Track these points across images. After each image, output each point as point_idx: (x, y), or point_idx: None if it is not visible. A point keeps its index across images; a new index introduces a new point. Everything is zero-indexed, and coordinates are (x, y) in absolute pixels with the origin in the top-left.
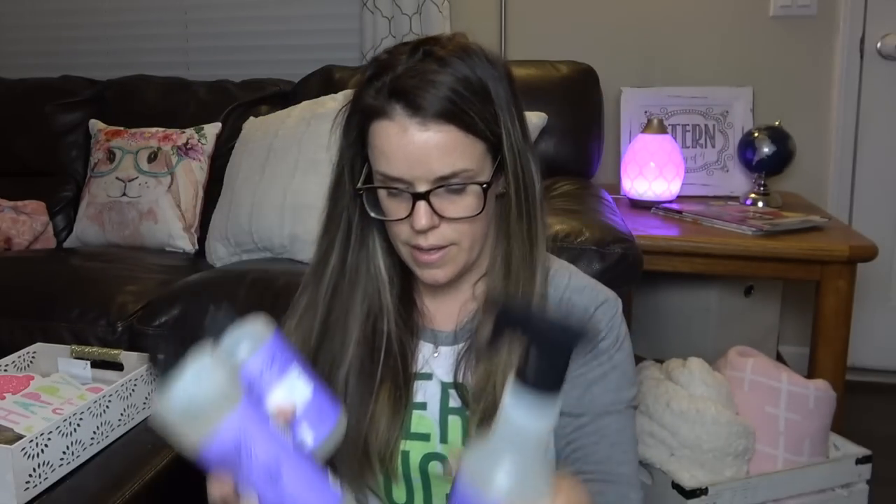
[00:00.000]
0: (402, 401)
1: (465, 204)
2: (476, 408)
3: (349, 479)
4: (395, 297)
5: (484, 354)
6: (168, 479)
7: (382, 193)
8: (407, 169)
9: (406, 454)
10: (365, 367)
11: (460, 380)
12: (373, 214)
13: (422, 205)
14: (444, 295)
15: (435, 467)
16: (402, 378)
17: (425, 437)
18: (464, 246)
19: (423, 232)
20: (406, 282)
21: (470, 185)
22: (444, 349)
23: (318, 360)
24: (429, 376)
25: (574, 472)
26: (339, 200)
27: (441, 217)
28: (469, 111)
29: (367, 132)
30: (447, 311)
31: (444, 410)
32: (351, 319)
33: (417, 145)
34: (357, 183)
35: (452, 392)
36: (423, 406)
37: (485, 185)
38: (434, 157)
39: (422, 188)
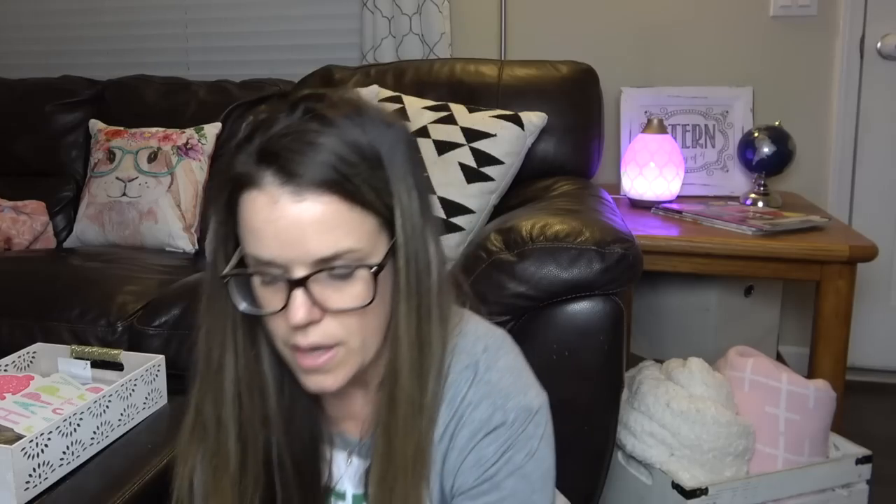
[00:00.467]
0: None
1: (352, 292)
2: None
3: None
4: (286, 402)
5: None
6: (168, 480)
7: (255, 281)
8: (279, 250)
9: None
10: (272, 487)
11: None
12: (241, 308)
13: (298, 294)
14: (348, 396)
15: None
16: (312, 496)
17: None
18: (353, 346)
19: (303, 328)
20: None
21: (358, 268)
22: (354, 460)
23: (242, 482)
24: (342, 495)
25: None
26: (216, 291)
27: (323, 309)
28: (355, 179)
29: (236, 206)
30: (356, 414)
31: None
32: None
33: (290, 220)
34: (224, 268)
35: None
36: None
37: (375, 269)
38: (311, 235)
39: (298, 273)
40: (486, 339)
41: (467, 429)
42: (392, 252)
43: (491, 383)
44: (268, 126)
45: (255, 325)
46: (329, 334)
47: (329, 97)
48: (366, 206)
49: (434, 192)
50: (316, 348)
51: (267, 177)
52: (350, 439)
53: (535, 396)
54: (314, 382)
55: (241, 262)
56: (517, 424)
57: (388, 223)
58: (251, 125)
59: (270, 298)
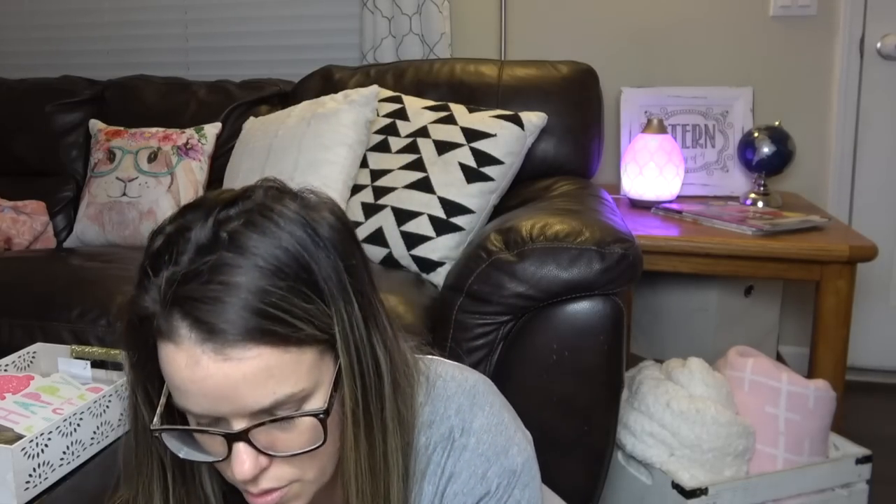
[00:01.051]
0: None
1: (302, 434)
2: None
3: None
4: None
5: None
6: None
7: (192, 424)
8: (211, 406)
9: None
10: None
11: None
12: (181, 455)
13: (240, 447)
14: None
15: None
16: None
17: None
18: (308, 478)
19: (252, 480)
20: None
21: (303, 416)
22: None
23: None
24: None
25: None
26: (141, 438)
27: (271, 457)
28: (286, 316)
29: (154, 349)
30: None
31: None
32: None
33: (217, 380)
34: (153, 417)
35: None
36: None
37: (322, 416)
38: (244, 391)
39: (237, 426)
40: (456, 397)
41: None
42: (339, 376)
43: (468, 449)
44: (176, 250)
45: (186, 464)
46: (281, 477)
47: (244, 206)
48: (301, 343)
49: (367, 265)
50: (268, 492)
51: (182, 330)
52: None
53: (517, 454)
54: None
55: (169, 405)
56: (501, 490)
57: (329, 343)
58: (161, 241)
59: (210, 443)
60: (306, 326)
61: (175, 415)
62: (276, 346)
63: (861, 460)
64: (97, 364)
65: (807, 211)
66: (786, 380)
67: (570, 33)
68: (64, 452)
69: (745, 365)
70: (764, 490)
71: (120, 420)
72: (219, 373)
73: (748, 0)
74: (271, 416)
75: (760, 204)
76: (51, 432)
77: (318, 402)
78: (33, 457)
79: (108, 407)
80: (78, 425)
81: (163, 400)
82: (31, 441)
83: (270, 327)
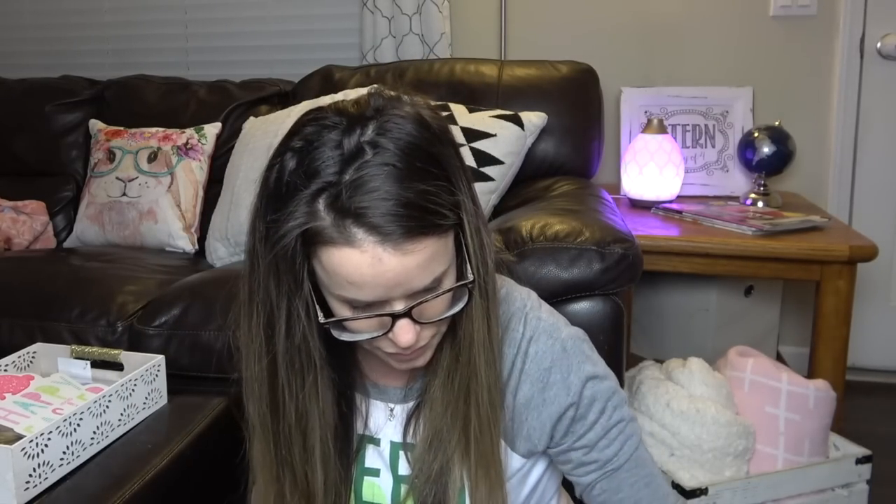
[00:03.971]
0: (347, 467)
1: (444, 301)
2: (420, 475)
3: None
4: (337, 381)
5: (428, 418)
6: (168, 479)
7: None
8: (384, 293)
9: None
10: (329, 453)
11: (409, 440)
12: (345, 338)
13: (404, 323)
14: None
15: None
16: (345, 442)
17: None
18: (441, 331)
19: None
20: (347, 351)
21: (455, 289)
22: (395, 408)
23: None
24: (377, 441)
25: None
26: (294, 339)
27: (423, 324)
28: (438, 208)
29: (311, 255)
30: (398, 371)
31: (396, 479)
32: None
33: (397, 271)
34: (316, 315)
35: (402, 456)
36: (375, 472)
37: (471, 284)
38: (414, 275)
39: (399, 307)
40: (522, 290)
41: (535, 365)
42: (465, 253)
43: (542, 320)
44: (319, 165)
45: (324, 355)
46: (426, 337)
47: (370, 113)
48: (448, 229)
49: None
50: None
51: (358, 235)
52: (389, 390)
53: (575, 328)
54: (407, 366)
55: (322, 300)
56: (574, 350)
57: (458, 227)
58: (295, 160)
59: (368, 324)
60: (451, 214)
61: (328, 314)
62: (436, 235)
63: (861, 460)
64: (97, 364)
65: (807, 211)
66: (786, 380)
67: (570, 33)
68: (64, 452)
69: (745, 365)
70: (764, 490)
71: (120, 420)
72: (399, 266)
73: (748, 0)
74: (428, 293)
75: (760, 204)
76: (51, 432)
77: (452, 276)
78: (33, 457)
79: (108, 407)
80: (78, 425)
81: (313, 298)
82: (31, 441)
83: (431, 220)
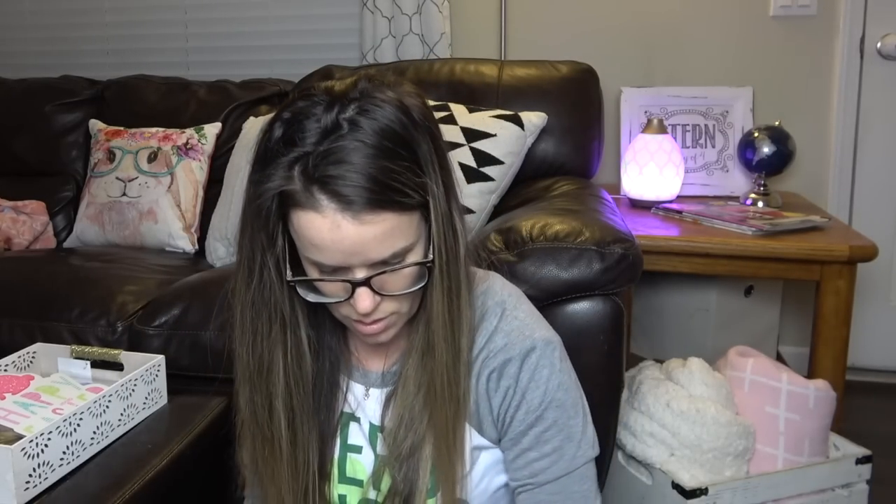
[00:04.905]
0: (330, 441)
1: (405, 278)
2: (392, 453)
3: None
4: (318, 352)
5: (403, 399)
6: (168, 479)
7: (314, 275)
8: (343, 259)
9: (343, 497)
10: (296, 439)
11: (386, 423)
12: (311, 299)
13: (363, 291)
14: None
15: None
16: (328, 418)
17: (359, 483)
18: (404, 311)
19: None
20: (336, 330)
21: (411, 265)
22: (373, 391)
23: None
24: (358, 419)
25: None
26: (266, 293)
27: (382, 296)
28: (402, 187)
29: (287, 215)
30: (378, 352)
31: (376, 457)
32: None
33: (353, 240)
34: (285, 272)
35: (379, 436)
36: (357, 449)
37: (429, 264)
38: (371, 247)
39: (360, 275)
40: (509, 288)
41: (500, 356)
42: (429, 235)
43: (518, 319)
44: (301, 135)
45: (297, 311)
46: (386, 310)
47: (352, 93)
48: (411, 208)
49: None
50: (376, 321)
51: (324, 202)
52: (370, 374)
53: (553, 334)
54: (372, 340)
55: (295, 260)
56: (545, 354)
57: (424, 208)
58: (281, 129)
59: (332, 289)
60: (415, 195)
61: (298, 272)
62: (396, 211)
63: (861, 460)
64: (97, 364)
65: (807, 211)
66: (786, 380)
67: (570, 33)
68: (64, 452)
69: (745, 365)
70: (764, 490)
71: (120, 420)
72: (355, 234)
73: (748, 0)
74: (387, 265)
75: (760, 204)
76: (51, 432)
77: (417, 255)
78: (33, 457)
79: (108, 407)
80: (78, 425)
81: (287, 255)
82: (31, 441)
83: (392, 197)
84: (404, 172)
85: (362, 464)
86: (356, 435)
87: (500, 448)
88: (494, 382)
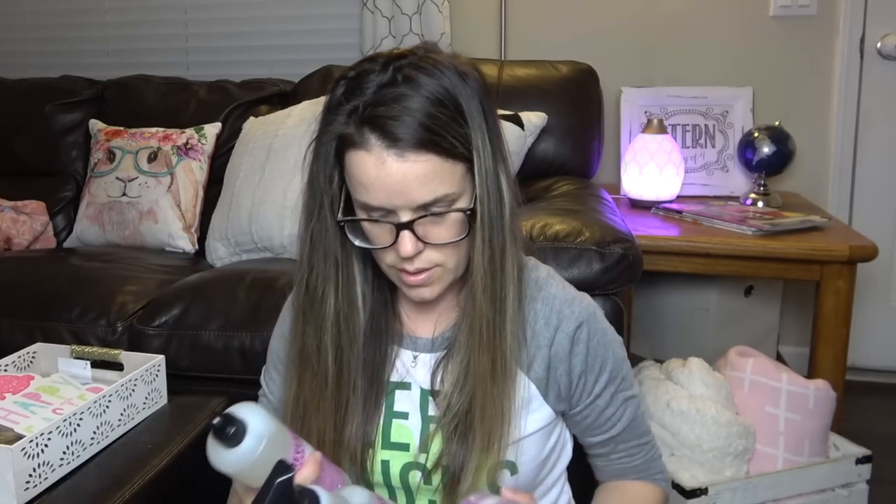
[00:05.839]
0: (375, 409)
1: (448, 228)
2: (449, 416)
3: None
4: (370, 308)
5: (456, 362)
6: (168, 479)
7: (364, 222)
8: (387, 199)
9: (386, 463)
10: (342, 375)
11: (437, 387)
12: (357, 243)
13: (406, 234)
14: (427, 304)
15: (415, 476)
16: (375, 385)
17: (405, 447)
18: (449, 266)
19: (409, 258)
20: (386, 290)
21: (453, 211)
22: (422, 356)
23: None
24: (408, 385)
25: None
26: (321, 231)
27: (426, 243)
28: (446, 135)
29: (343, 159)
30: (428, 319)
31: (426, 420)
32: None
33: (396, 177)
34: (337, 213)
35: (431, 400)
36: (404, 415)
37: (468, 212)
38: (414, 187)
39: (404, 218)
40: (543, 266)
41: (571, 322)
42: (475, 193)
43: (569, 287)
44: (361, 88)
45: (350, 255)
46: (430, 260)
47: (411, 56)
48: (455, 157)
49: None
50: (419, 271)
51: (372, 140)
52: (417, 339)
53: (591, 300)
54: (417, 294)
55: (349, 205)
56: (599, 316)
57: (472, 164)
58: (346, 85)
59: (379, 235)
60: (459, 145)
61: (349, 215)
62: (440, 154)
63: (861, 460)
64: (97, 364)
65: (807, 211)
66: (786, 380)
67: (570, 33)
68: (64, 452)
69: (745, 365)
70: (764, 490)
71: (120, 420)
72: (398, 171)
73: (748, 0)
74: (430, 211)
75: (760, 204)
76: (51, 432)
77: (460, 206)
78: (33, 457)
79: (108, 407)
80: (78, 425)
81: (342, 201)
82: (31, 441)
83: (436, 140)
84: (450, 123)
85: (409, 428)
86: (402, 401)
87: (568, 414)
88: (573, 346)
